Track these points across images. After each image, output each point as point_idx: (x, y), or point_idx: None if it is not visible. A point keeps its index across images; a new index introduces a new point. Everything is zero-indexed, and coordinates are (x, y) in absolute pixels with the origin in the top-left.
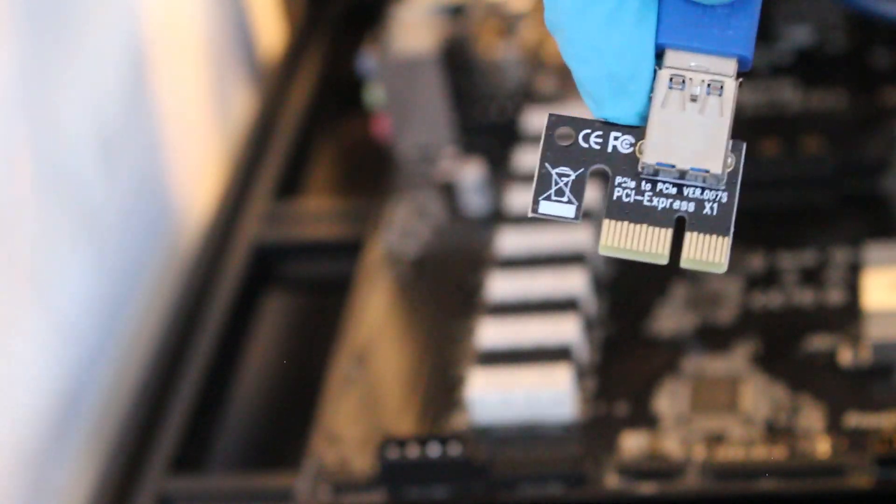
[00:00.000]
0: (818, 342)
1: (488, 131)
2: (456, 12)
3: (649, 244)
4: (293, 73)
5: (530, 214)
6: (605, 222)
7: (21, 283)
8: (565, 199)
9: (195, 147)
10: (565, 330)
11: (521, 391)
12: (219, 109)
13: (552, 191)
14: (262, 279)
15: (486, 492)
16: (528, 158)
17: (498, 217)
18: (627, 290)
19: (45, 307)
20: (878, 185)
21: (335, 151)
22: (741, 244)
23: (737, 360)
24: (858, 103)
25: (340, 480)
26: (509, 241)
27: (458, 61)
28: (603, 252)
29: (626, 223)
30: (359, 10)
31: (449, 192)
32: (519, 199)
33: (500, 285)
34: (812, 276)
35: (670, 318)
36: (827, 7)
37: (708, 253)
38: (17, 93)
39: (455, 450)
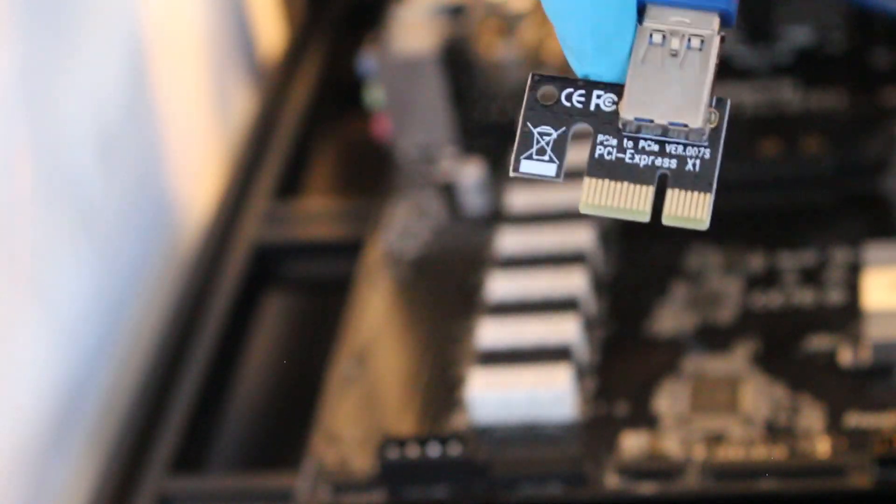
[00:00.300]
0: (818, 342)
1: (488, 131)
2: (456, 12)
3: (631, 201)
4: (293, 73)
5: (511, 174)
6: (587, 180)
7: (21, 283)
8: (546, 157)
9: (195, 147)
10: (565, 330)
11: (521, 391)
12: (219, 109)
13: (533, 150)
14: (262, 279)
15: (486, 492)
16: None
17: (498, 217)
18: (627, 290)
19: (45, 307)
20: (878, 185)
21: (335, 151)
22: (741, 244)
23: (737, 360)
24: (858, 103)
25: (340, 480)
26: (509, 241)
27: (458, 61)
28: (584, 210)
29: (607, 181)
30: (359, 10)
31: (449, 192)
32: (519, 198)
33: (500, 285)
34: (812, 276)
35: (670, 318)
36: (827, 7)
37: (689, 209)
38: (17, 93)
39: (455, 450)
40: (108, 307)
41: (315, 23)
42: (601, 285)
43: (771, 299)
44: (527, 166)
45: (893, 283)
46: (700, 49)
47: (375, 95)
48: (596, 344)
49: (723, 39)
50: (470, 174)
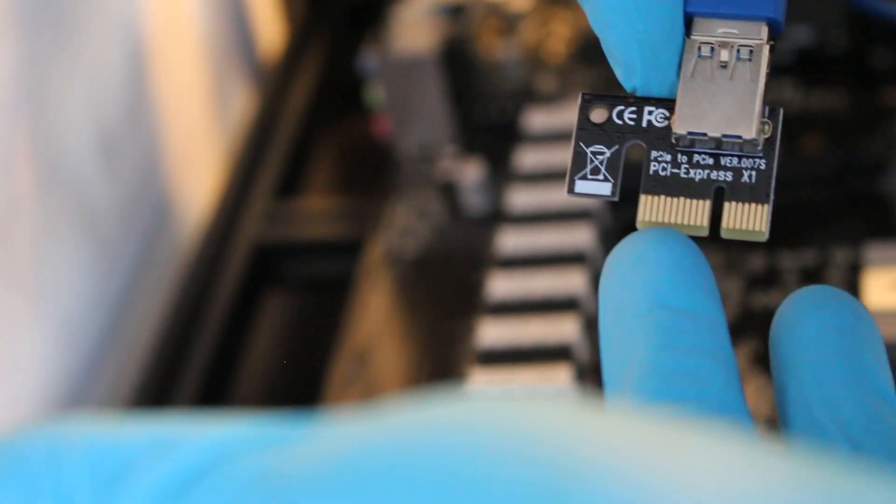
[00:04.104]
0: None
1: (488, 131)
2: (456, 12)
3: (688, 216)
4: (293, 73)
5: (567, 195)
6: (643, 198)
7: (21, 283)
8: (601, 177)
9: (195, 147)
10: (565, 330)
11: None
12: (219, 109)
13: (587, 169)
14: (262, 279)
15: None
16: (528, 158)
17: (498, 217)
18: None
19: (45, 307)
20: (878, 185)
21: (335, 151)
22: (741, 244)
23: (737, 360)
24: (858, 103)
25: None
26: (509, 241)
27: (458, 61)
28: (641, 228)
29: (663, 197)
30: (359, 10)
31: (449, 192)
32: (519, 198)
33: (500, 285)
34: (812, 276)
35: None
36: (827, 7)
37: (748, 222)
38: (17, 92)
39: None
40: (108, 307)
41: (315, 23)
42: None
43: (771, 299)
44: (582, 186)
45: (893, 283)
46: (749, 59)
47: (375, 95)
48: (596, 344)
49: (772, 48)
50: (470, 174)
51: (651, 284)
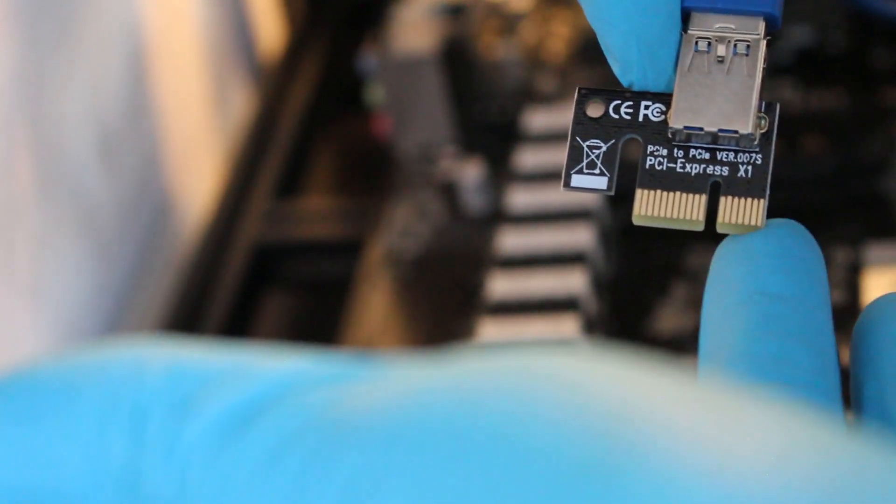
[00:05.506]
0: None
1: (488, 131)
2: (456, 12)
3: (684, 211)
4: (293, 73)
5: (563, 189)
6: (638, 192)
7: (21, 283)
8: (597, 171)
9: (195, 147)
10: (565, 330)
11: None
12: (219, 109)
13: (584, 164)
14: (262, 279)
15: None
16: (528, 158)
17: (498, 217)
18: (627, 290)
19: (45, 307)
20: (878, 185)
21: (335, 151)
22: None
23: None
24: (858, 103)
25: None
26: (509, 240)
27: (458, 61)
28: (637, 222)
29: (659, 191)
30: (359, 10)
31: (449, 192)
32: (519, 198)
33: (500, 285)
34: None
35: (670, 318)
36: (827, 7)
37: (744, 216)
38: (17, 92)
39: None
40: (108, 307)
41: (315, 23)
42: (601, 285)
43: None
44: (578, 181)
45: (893, 283)
46: (746, 54)
47: (375, 95)
48: (596, 344)
49: (769, 43)
50: (470, 174)
51: (754, 272)
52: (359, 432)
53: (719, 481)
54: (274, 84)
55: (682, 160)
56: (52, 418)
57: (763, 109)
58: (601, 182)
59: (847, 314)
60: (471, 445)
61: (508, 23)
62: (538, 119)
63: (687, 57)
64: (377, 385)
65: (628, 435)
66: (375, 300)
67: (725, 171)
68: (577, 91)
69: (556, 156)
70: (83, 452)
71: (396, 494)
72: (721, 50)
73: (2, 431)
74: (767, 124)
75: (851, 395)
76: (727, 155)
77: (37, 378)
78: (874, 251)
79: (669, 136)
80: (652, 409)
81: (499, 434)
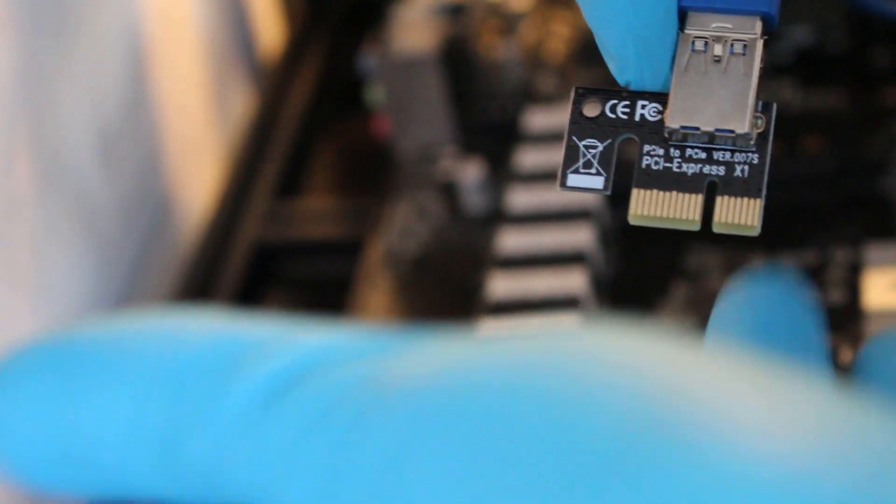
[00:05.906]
0: None
1: (488, 131)
2: (456, 12)
3: (680, 210)
4: (293, 73)
5: (559, 188)
6: (634, 192)
7: (21, 282)
8: (593, 170)
9: (195, 146)
10: None
11: None
12: (219, 109)
13: (580, 163)
14: (262, 279)
15: None
16: (528, 158)
17: (498, 217)
18: (627, 290)
19: (45, 306)
20: (878, 185)
21: (335, 151)
22: (741, 244)
23: None
24: (858, 103)
25: None
26: (509, 241)
27: (458, 61)
28: (633, 222)
29: (655, 191)
30: (359, 10)
31: (449, 192)
32: (519, 198)
33: (500, 285)
34: (812, 276)
35: (670, 319)
36: (827, 7)
37: (740, 216)
38: (17, 92)
39: None
40: (107, 306)
41: (315, 23)
42: (601, 285)
43: None
44: (574, 180)
45: (894, 283)
46: (743, 54)
47: (375, 95)
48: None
49: (766, 43)
50: (470, 174)
51: (750, 326)
52: (402, 400)
53: (775, 469)
54: (274, 84)
55: (679, 160)
56: (93, 386)
57: (760, 109)
58: (597, 182)
59: (848, 314)
60: (519, 421)
61: (508, 23)
62: (538, 119)
63: (683, 56)
64: (419, 358)
65: (678, 419)
66: (375, 300)
67: (722, 170)
68: (573, 90)
69: (556, 156)
70: (123, 421)
71: (435, 461)
72: (718, 49)
73: (46, 396)
74: (764, 124)
75: None
76: (724, 155)
77: (79, 344)
78: (874, 251)
79: (666, 135)
80: (701, 391)
81: (545, 411)
